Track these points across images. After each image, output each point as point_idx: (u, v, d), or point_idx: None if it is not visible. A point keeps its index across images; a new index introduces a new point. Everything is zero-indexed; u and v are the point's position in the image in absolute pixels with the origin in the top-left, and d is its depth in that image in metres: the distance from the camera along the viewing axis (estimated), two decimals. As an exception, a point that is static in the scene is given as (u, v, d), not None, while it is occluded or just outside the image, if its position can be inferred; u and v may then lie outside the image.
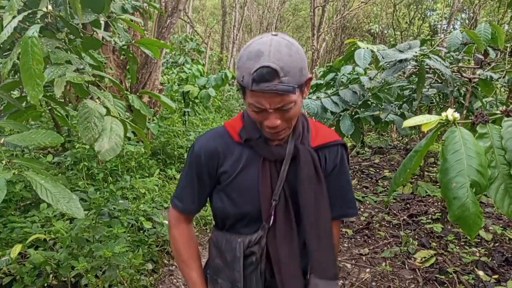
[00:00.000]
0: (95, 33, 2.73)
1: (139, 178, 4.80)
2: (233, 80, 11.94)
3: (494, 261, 3.76)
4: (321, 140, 1.43)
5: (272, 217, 1.34)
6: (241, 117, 1.42)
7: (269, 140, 1.36)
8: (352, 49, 3.72)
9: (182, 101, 8.75)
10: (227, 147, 1.38)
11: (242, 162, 1.37)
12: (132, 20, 3.00)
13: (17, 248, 2.43)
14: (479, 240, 4.28)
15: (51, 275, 2.77)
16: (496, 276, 3.51)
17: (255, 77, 1.13)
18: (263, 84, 1.13)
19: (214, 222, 1.54)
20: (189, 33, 17.92)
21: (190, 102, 8.65)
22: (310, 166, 1.35)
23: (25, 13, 2.09)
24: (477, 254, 3.98)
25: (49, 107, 3.19)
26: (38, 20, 2.27)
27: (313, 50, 15.71)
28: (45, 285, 2.75)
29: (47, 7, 2.16)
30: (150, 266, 3.42)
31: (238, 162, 1.37)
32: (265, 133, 1.29)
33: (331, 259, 1.38)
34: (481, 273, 3.56)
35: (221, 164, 1.38)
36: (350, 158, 9.45)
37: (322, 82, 5.19)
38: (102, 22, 3.58)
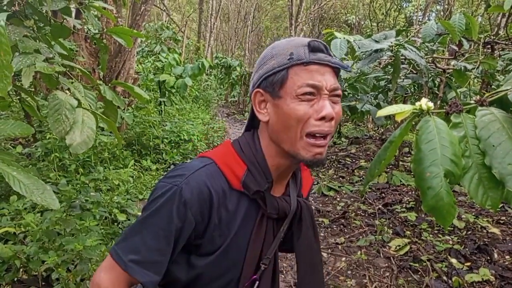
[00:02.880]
0: (65, 20, 2.64)
1: (113, 169, 4.72)
2: (210, 70, 11.83)
3: (467, 249, 3.85)
4: (307, 185, 1.27)
5: (257, 284, 1.10)
6: (237, 153, 1.07)
7: (273, 189, 1.09)
8: (329, 39, 3.70)
9: (158, 91, 8.63)
10: (223, 197, 1.02)
11: (238, 221, 1.04)
12: (104, 8, 2.91)
13: (-15, 242, 2.35)
14: (452, 229, 4.36)
15: (21, 270, 2.70)
16: (468, 264, 3.59)
17: (313, 46, 0.98)
18: (321, 54, 0.98)
19: None
20: (165, 21, 17.67)
21: (166, 92, 8.54)
22: (310, 226, 1.16)
23: (-11, -2, 2.00)
24: (450, 242, 4.06)
25: (19, 97, 3.09)
26: (5, 8, 2.18)
27: (290, 40, 15.67)
28: (15, 279, 2.68)
29: (14, -7, 2.07)
30: (124, 258, 3.35)
31: (234, 221, 1.04)
32: (305, 147, 0.98)
33: None
34: (454, 260, 3.64)
35: (211, 223, 1.01)
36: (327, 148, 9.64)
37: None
38: (73, 10, 3.48)
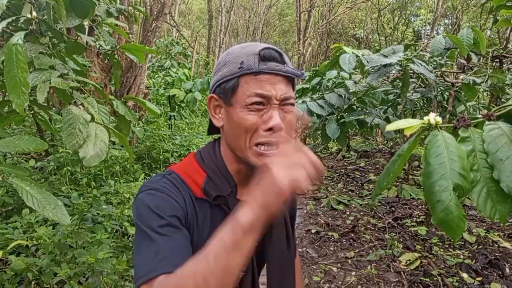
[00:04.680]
0: (79, 37, 2.70)
1: (123, 182, 4.76)
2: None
3: (478, 264, 3.81)
4: None
5: None
6: (197, 162, 1.08)
7: (239, 193, 1.07)
8: (338, 54, 3.74)
9: (168, 105, 8.72)
10: (191, 207, 1.00)
11: (207, 229, 1.01)
12: (116, 24, 2.98)
13: (-2, 254, 2.39)
14: (463, 243, 4.33)
15: (33, 282, 2.72)
16: (480, 278, 3.55)
17: (263, 55, 0.96)
18: (272, 63, 0.96)
19: None
20: (175, 37, 17.90)
21: (176, 106, 8.62)
22: (282, 228, 1.14)
23: (9, 19, 2.06)
24: (461, 256, 4.02)
25: (32, 112, 3.15)
26: (22, 25, 2.24)
27: (299, 55, 15.79)
28: (27, 292, 2.70)
29: (31, 13, 2.13)
30: (135, 272, 3.37)
31: (202, 229, 1.01)
32: (255, 155, 0.98)
33: None
34: (465, 275, 3.60)
35: (188, 220, 0.99)
36: (336, 162, 9.50)
37: (308, 87, 5.22)
38: (86, 26, 3.55)
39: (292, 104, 1.01)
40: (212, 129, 1.14)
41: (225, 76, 0.99)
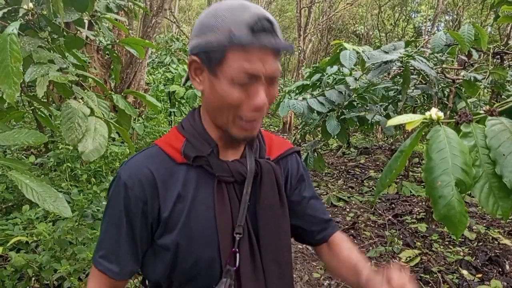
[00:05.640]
0: (78, 32, 2.69)
1: (124, 179, 4.75)
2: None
3: (478, 260, 3.81)
4: (278, 150, 1.20)
5: (238, 256, 1.04)
6: (178, 131, 1.08)
7: (223, 154, 1.07)
8: (338, 50, 3.73)
9: (168, 101, 8.71)
10: (167, 174, 1.01)
11: (191, 191, 1.01)
12: (116, 19, 2.97)
13: (-2, 250, 2.38)
14: (463, 240, 4.33)
15: (33, 279, 2.72)
16: (480, 275, 3.55)
17: (255, 26, 0.89)
18: (263, 36, 0.89)
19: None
20: (175, 33, 17.86)
21: (176, 102, 8.62)
22: (273, 186, 1.10)
23: (5, 10, 2.05)
24: (461, 253, 4.02)
25: (32, 108, 3.14)
26: (21, 19, 2.23)
27: (299, 51, 15.76)
28: (27, 288, 2.70)
29: (28, 5, 2.12)
30: (135, 268, 3.37)
31: (186, 193, 1.01)
32: (237, 128, 0.98)
33: None
34: (465, 272, 3.60)
35: (162, 202, 1.00)
36: (336, 158, 9.44)
37: (308, 83, 5.21)
38: (86, 21, 3.54)
39: (279, 72, 0.97)
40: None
41: (211, 43, 0.92)
